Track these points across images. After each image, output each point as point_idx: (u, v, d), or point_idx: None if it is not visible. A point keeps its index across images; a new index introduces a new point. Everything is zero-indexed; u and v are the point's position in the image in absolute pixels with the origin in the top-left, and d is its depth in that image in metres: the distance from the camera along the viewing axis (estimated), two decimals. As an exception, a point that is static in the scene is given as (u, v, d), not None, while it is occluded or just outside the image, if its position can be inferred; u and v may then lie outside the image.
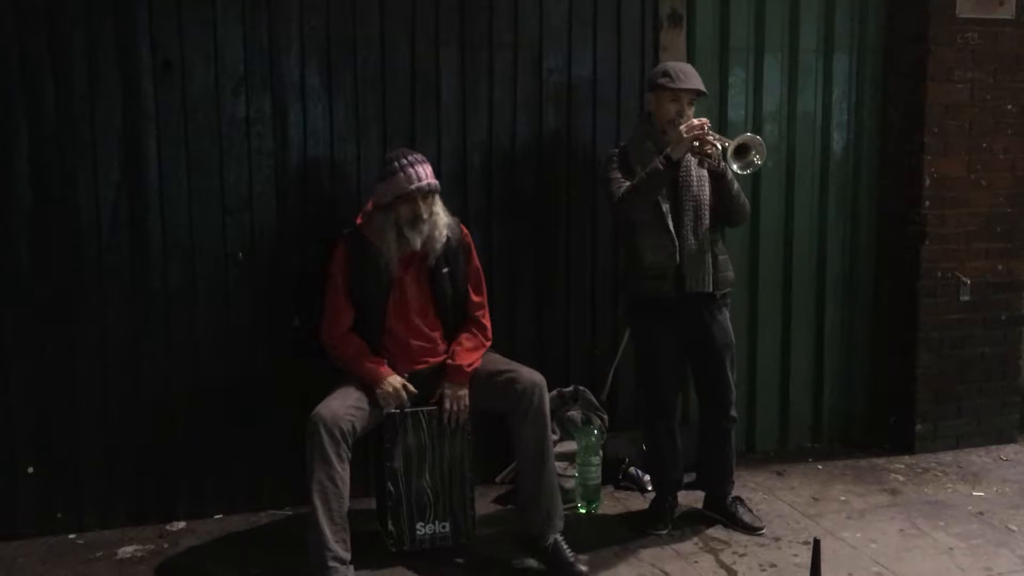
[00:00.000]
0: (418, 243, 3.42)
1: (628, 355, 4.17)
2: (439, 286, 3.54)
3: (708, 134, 3.50)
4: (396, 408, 3.44)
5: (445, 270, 3.54)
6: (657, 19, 4.30)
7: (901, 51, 4.63)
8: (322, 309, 3.56)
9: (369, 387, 3.42)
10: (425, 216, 3.41)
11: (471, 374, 3.53)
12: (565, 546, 3.43)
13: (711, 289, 3.69)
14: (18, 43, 3.54)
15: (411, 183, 3.37)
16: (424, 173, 3.40)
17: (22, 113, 3.57)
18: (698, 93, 3.68)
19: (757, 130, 4.49)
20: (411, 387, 3.46)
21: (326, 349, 3.55)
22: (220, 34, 3.75)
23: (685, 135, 3.47)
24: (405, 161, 3.40)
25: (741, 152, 3.46)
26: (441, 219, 3.47)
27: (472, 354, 3.56)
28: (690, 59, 4.34)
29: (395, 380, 3.44)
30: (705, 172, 3.65)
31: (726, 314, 3.80)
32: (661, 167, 3.51)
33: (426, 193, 3.40)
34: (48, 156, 3.61)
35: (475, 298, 3.65)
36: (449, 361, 3.53)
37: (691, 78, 3.65)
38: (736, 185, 3.69)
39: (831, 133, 4.66)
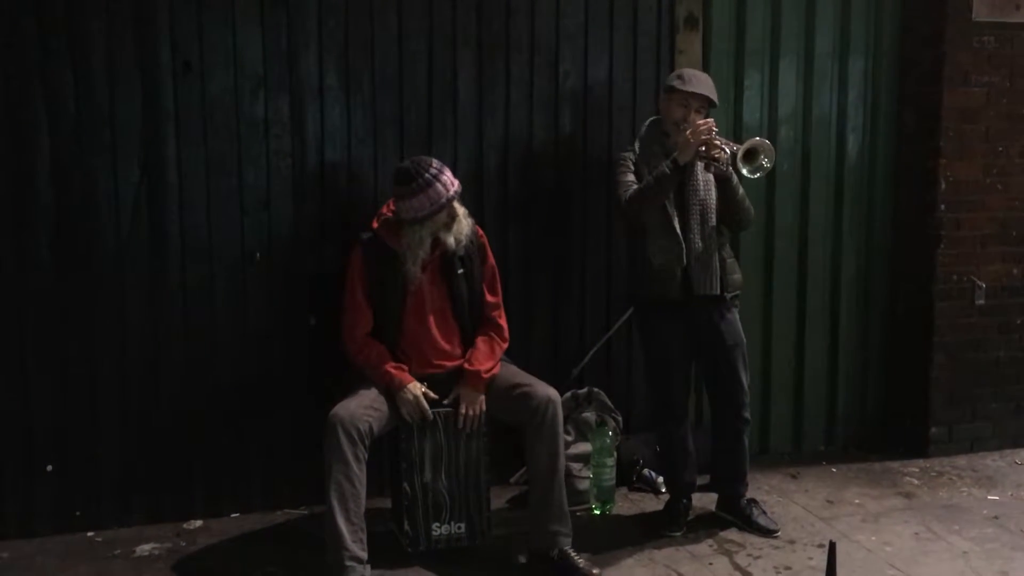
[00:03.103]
0: (452, 242, 3.45)
1: (639, 355, 4.15)
2: (456, 287, 3.55)
3: (715, 138, 3.51)
4: (417, 419, 3.45)
5: (461, 271, 3.55)
6: (673, 22, 4.31)
7: (917, 55, 4.62)
8: (341, 313, 3.57)
9: (373, 379, 3.44)
10: (457, 216, 3.46)
11: (488, 380, 3.53)
12: (572, 553, 3.43)
13: (719, 291, 3.70)
14: (39, 44, 3.56)
15: (448, 191, 3.40)
16: (451, 179, 3.44)
17: (43, 114, 3.60)
18: (709, 102, 3.69)
19: (772, 133, 4.49)
20: (431, 394, 3.46)
21: (346, 354, 3.55)
22: (239, 36, 3.77)
23: (692, 140, 3.48)
24: (431, 174, 3.40)
25: (750, 156, 3.48)
26: (463, 213, 3.51)
27: (489, 359, 3.57)
28: (706, 62, 4.35)
29: (415, 388, 3.43)
30: (711, 176, 3.66)
31: (735, 314, 3.81)
32: (668, 171, 3.52)
33: (456, 198, 3.45)
34: (68, 156, 3.64)
35: (490, 298, 3.67)
36: (467, 366, 3.54)
37: (702, 84, 3.67)
38: (741, 189, 3.70)
39: (846, 136, 4.66)
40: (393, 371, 3.44)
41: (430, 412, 3.45)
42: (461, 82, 4.06)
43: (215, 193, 3.81)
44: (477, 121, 4.10)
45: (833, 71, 4.61)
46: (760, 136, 4.36)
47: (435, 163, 3.46)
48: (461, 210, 3.49)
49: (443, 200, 3.39)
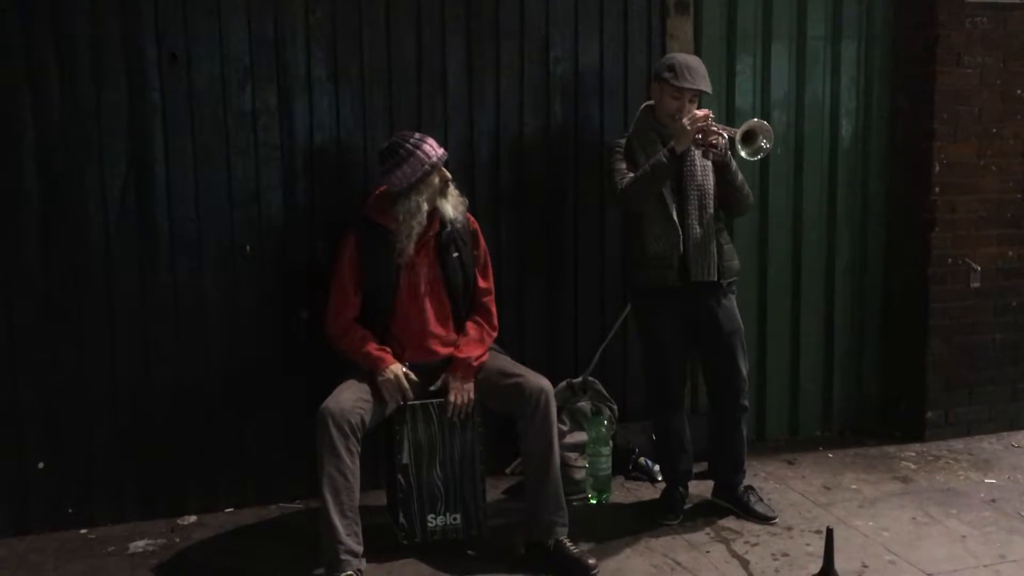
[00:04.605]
0: (450, 211, 3.45)
1: (635, 344, 4.14)
2: (450, 270, 3.54)
3: (712, 125, 3.48)
4: (400, 400, 3.43)
5: (455, 254, 3.55)
6: (664, 7, 4.27)
7: (910, 37, 4.59)
8: (328, 298, 3.55)
9: (357, 361, 3.42)
10: (450, 181, 3.48)
11: (477, 368, 3.52)
12: (568, 543, 3.42)
13: (716, 278, 3.68)
14: (23, 37, 3.52)
15: (435, 153, 3.42)
16: (435, 144, 3.46)
17: (28, 107, 3.56)
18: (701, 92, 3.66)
19: (765, 118, 4.45)
20: (412, 375, 3.45)
21: (330, 340, 3.54)
22: (226, 26, 3.73)
23: (689, 127, 3.45)
24: (413, 142, 3.42)
25: (749, 138, 3.45)
26: (454, 186, 3.52)
27: (478, 346, 3.55)
28: (697, 47, 4.32)
29: (396, 368, 3.42)
30: (709, 162, 3.63)
31: (733, 300, 3.79)
32: (665, 160, 3.49)
33: (444, 161, 3.46)
34: (55, 150, 3.60)
35: (482, 283, 3.65)
36: (456, 354, 3.52)
37: (696, 77, 3.60)
38: (740, 175, 3.67)
39: (839, 120, 4.63)
40: (374, 352, 3.42)
41: (410, 392, 3.43)
42: (451, 70, 4.03)
43: (203, 186, 3.78)
44: (467, 109, 4.07)
45: (826, 55, 4.58)
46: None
47: (416, 134, 3.49)
48: (453, 185, 3.51)
49: (433, 159, 3.40)
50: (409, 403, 3.45)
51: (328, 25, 3.85)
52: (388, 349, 3.46)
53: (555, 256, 4.27)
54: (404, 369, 3.44)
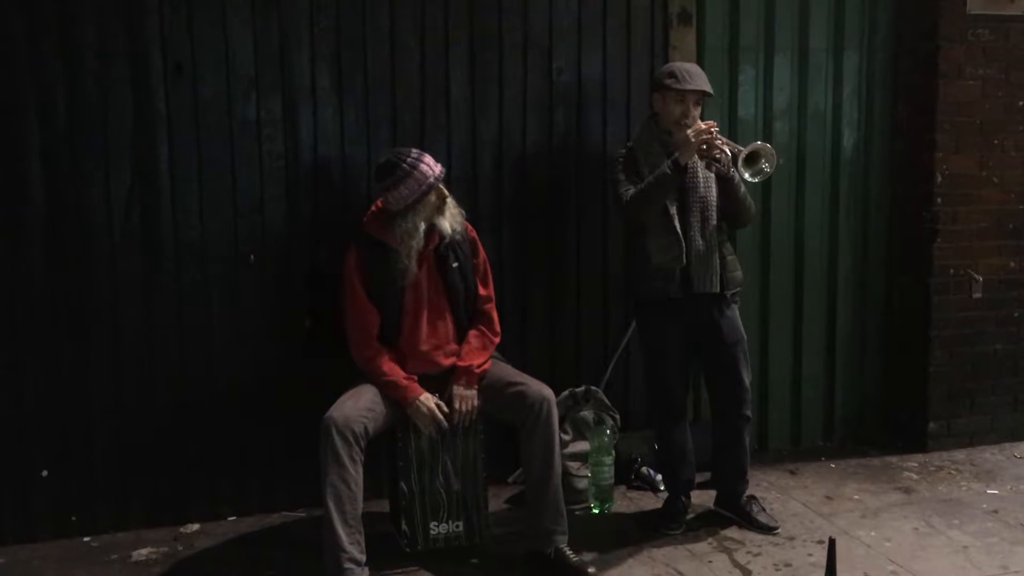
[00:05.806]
0: (447, 226, 3.45)
1: (638, 354, 4.15)
2: (451, 281, 3.55)
3: (716, 138, 3.49)
4: (435, 432, 3.44)
5: (455, 265, 3.55)
6: (667, 18, 4.29)
7: (911, 48, 4.61)
8: (345, 318, 3.53)
9: (383, 388, 3.42)
10: (447, 198, 3.47)
11: (480, 375, 3.53)
12: (568, 551, 3.43)
13: (719, 289, 3.69)
14: (30, 46, 3.55)
15: (432, 173, 3.40)
16: (433, 162, 3.44)
17: (34, 116, 3.58)
18: (704, 94, 3.67)
19: (767, 128, 4.49)
20: (444, 406, 3.45)
21: (356, 360, 3.50)
22: (230, 36, 3.76)
23: (693, 139, 3.46)
24: (411, 161, 3.40)
25: (751, 160, 3.47)
26: (452, 201, 3.51)
27: (481, 354, 3.56)
28: (700, 58, 4.33)
29: (428, 400, 3.42)
30: (712, 173, 3.65)
31: (735, 310, 3.80)
32: (668, 171, 3.50)
33: (442, 180, 3.45)
34: (60, 159, 3.62)
35: (483, 291, 3.66)
36: (459, 362, 3.53)
37: (697, 79, 3.64)
38: (743, 187, 3.68)
39: (841, 131, 4.65)
40: (403, 382, 3.42)
41: (445, 423, 3.45)
42: (454, 80, 4.05)
43: (208, 195, 3.79)
44: (470, 119, 4.09)
45: (828, 66, 4.59)
46: (756, 132, 4.40)
47: (414, 150, 3.47)
48: (450, 199, 3.50)
49: (430, 180, 3.39)
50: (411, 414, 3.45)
51: (332, 36, 3.88)
52: (415, 378, 3.45)
53: (558, 265, 4.28)
54: (436, 400, 3.44)
